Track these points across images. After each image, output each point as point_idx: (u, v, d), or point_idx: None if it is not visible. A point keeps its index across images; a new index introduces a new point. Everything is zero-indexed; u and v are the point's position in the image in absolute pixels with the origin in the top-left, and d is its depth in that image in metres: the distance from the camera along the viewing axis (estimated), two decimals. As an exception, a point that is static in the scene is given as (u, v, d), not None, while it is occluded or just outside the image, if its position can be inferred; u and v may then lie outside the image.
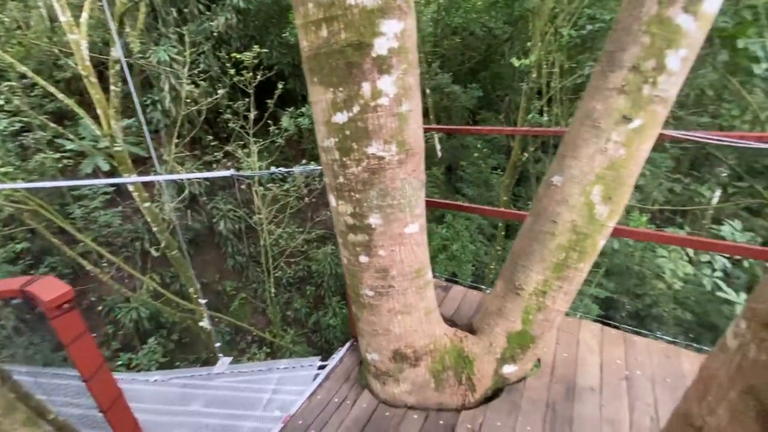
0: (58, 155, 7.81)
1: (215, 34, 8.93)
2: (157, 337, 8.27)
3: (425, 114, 10.45)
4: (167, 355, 8.26)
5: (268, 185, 7.74)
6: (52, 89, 6.55)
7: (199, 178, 8.68)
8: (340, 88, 1.63)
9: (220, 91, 7.68)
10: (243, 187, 9.16)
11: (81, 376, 1.18)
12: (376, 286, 2.00)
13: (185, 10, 8.96)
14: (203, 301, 3.68)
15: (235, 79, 7.14)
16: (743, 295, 3.97)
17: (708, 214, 7.51)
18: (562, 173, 1.92)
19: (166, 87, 8.44)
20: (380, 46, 1.57)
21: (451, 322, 2.65)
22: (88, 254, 7.97)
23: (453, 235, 8.61)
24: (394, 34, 1.58)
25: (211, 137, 8.74)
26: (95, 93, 6.19)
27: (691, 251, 5.17)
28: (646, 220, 5.54)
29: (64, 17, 5.74)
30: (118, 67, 6.51)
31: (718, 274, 4.43)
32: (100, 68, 8.29)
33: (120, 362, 7.80)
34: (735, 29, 3.89)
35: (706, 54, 4.66)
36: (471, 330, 2.38)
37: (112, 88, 6.30)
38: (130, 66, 9.15)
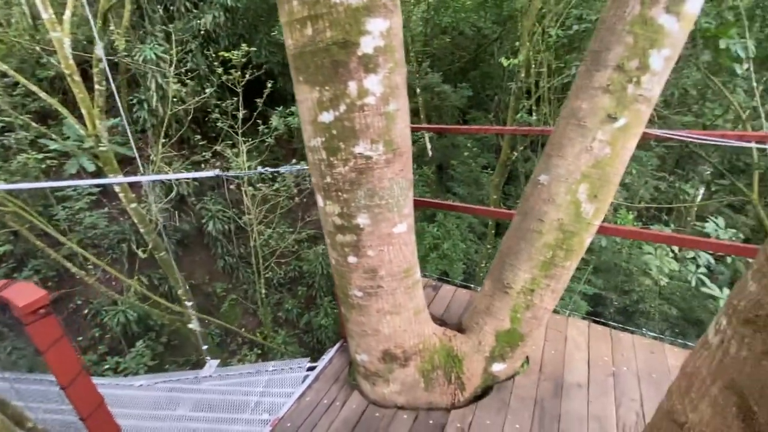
0: (41, 156, 7.64)
1: (203, 32, 8.81)
2: (146, 340, 8.14)
3: (416, 113, 10.47)
4: (156, 358, 8.13)
5: (258, 185, 7.67)
6: (34, 88, 6.39)
7: (184, 179, 8.56)
8: (326, 87, 1.62)
9: (208, 90, 7.58)
10: (232, 187, 9.06)
11: (59, 383, 1.15)
12: (364, 287, 1.99)
13: (172, 7, 8.83)
14: (189, 304, 3.62)
15: (224, 78, 7.05)
16: (726, 291, 4.05)
17: (692, 212, 7.66)
18: (548, 172, 1.93)
19: (153, 86, 8.30)
20: (366, 45, 1.56)
21: (440, 321, 2.66)
22: (74, 256, 7.81)
23: (444, 233, 8.64)
24: (380, 32, 1.56)
25: (199, 137, 8.62)
26: (79, 92, 6.05)
27: (676, 248, 5.26)
28: (633, 217, 5.62)
29: (47, 14, 5.60)
30: (102, 65, 6.38)
31: (702, 270, 4.51)
32: (85, 66, 8.12)
33: (107, 366, 7.66)
34: (717, 30, 3.96)
35: (690, 54, 4.75)
36: (460, 329, 2.38)
37: (96, 87, 6.17)
38: (115, 64, 8.99)
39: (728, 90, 4.97)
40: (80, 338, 8.15)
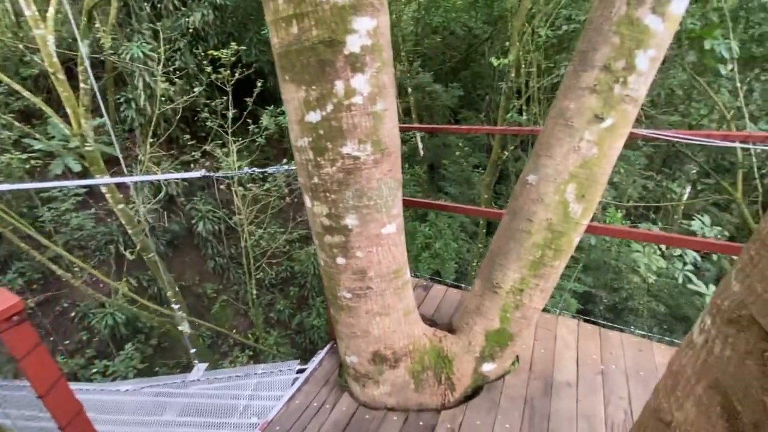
0: (25, 156, 7.47)
1: (191, 30, 8.70)
2: (135, 342, 8.02)
3: (407, 113, 10.47)
4: (145, 360, 8.01)
5: (249, 185, 7.61)
6: (17, 87, 6.26)
7: (171, 179, 8.45)
8: (313, 87, 1.60)
9: (197, 89, 7.49)
10: (222, 187, 8.97)
11: (36, 392, 1.11)
12: (353, 288, 1.97)
13: (160, 5, 8.69)
14: (177, 307, 3.56)
15: (213, 76, 6.97)
16: (712, 287, 4.12)
17: (679, 210, 7.78)
18: (537, 172, 1.94)
19: (141, 84, 8.17)
20: (353, 44, 1.54)
21: (431, 321, 2.65)
22: (60, 258, 7.66)
23: (436, 233, 8.65)
24: (367, 31, 1.55)
25: (188, 136, 8.51)
26: (63, 90, 5.94)
27: (664, 246, 5.34)
28: (622, 216, 5.69)
29: (29, 11, 5.48)
30: (87, 63, 6.26)
31: (689, 267, 4.58)
32: (70, 65, 7.97)
33: (95, 370, 7.53)
34: (702, 31, 4.02)
35: (675, 55, 4.81)
36: (451, 329, 2.38)
37: (81, 85, 6.06)
38: (101, 63, 8.84)
39: (713, 90, 5.05)
40: (67, 342, 8.00)
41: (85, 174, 7.99)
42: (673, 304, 7.64)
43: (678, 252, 4.81)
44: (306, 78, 1.59)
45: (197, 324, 8.15)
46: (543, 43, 6.33)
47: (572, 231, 1.96)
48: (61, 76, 5.89)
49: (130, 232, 6.87)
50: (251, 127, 7.54)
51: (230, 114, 7.06)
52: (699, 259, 4.87)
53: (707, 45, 3.93)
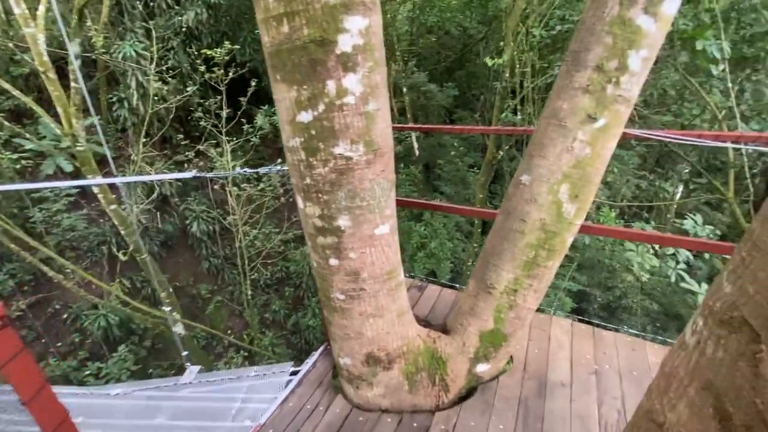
0: (15, 156, 7.37)
1: (185, 29, 8.62)
2: (128, 344, 7.94)
3: (403, 112, 10.47)
4: (139, 362, 7.94)
5: (243, 185, 7.56)
6: (7, 86, 6.17)
7: (161, 180, 8.37)
8: (304, 86, 1.58)
9: (190, 89, 7.42)
10: (216, 187, 8.91)
11: (20, 399, 1.09)
12: (346, 290, 1.96)
13: (152, 3, 8.61)
14: (168, 309, 3.53)
15: (207, 76, 6.91)
16: (705, 286, 4.15)
17: (672, 209, 7.85)
18: (530, 172, 1.93)
19: (133, 84, 8.10)
20: (344, 43, 1.52)
21: (425, 322, 2.65)
22: (52, 260, 7.57)
23: (431, 232, 8.66)
24: (359, 30, 1.53)
25: (182, 136, 8.45)
26: (54, 90, 5.87)
27: (657, 245, 5.37)
28: (615, 215, 5.72)
29: (19, 9, 5.40)
30: (78, 62, 6.19)
31: (682, 266, 4.61)
32: (61, 63, 7.87)
33: (88, 372, 7.45)
34: (694, 31, 4.05)
35: (668, 55, 4.84)
36: (445, 330, 2.37)
37: (72, 84, 5.98)
38: (94, 62, 8.74)
39: (705, 90, 5.09)
40: (59, 344, 7.92)
41: (77, 174, 7.90)
42: (666, 302, 7.70)
43: (671, 251, 4.85)
44: (297, 77, 1.57)
45: (191, 326, 8.09)
46: (537, 43, 6.35)
47: (566, 231, 1.95)
48: (52, 75, 5.81)
49: (122, 232, 6.80)
50: (245, 127, 7.50)
51: (224, 113, 7.01)
52: (691, 257, 4.91)
53: (699, 45, 3.95)
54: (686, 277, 4.39)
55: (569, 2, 6.42)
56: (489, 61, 6.35)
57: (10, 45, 7.71)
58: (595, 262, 7.58)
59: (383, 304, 2.01)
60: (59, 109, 5.96)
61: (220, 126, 7.04)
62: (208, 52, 6.87)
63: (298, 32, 1.50)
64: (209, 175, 2.25)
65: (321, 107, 1.60)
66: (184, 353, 3.12)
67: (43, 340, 7.85)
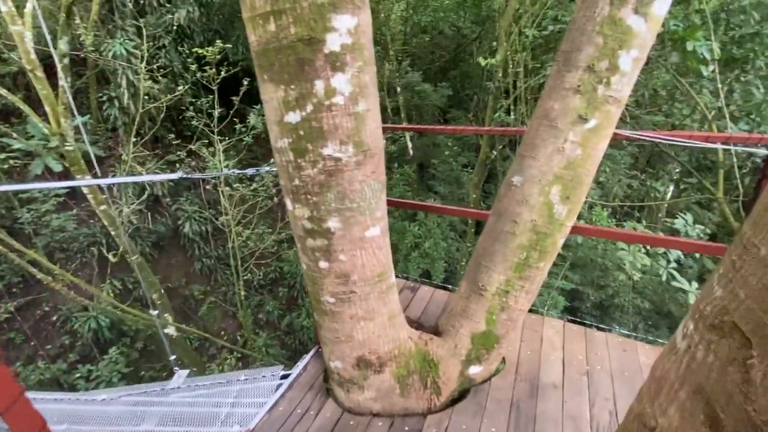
0: (3, 156, 7.25)
1: (176, 27, 8.53)
2: (120, 346, 7.85)
3: (397, 112, 10.45)
4: (131, 364, 7.85)
5: (236, 185, 7.50)
6: (-7, 85, 6.04)
7: (145, 181, 8.26)
8: (292, 86, 1.55)
9: (182, 88, 7.34)
10: (209, 187, 8.83)
11: (-7, 408, 1.05)
12: (337, 293, 1.93)
13: (143, 1, 8.51)
14: (155, 313, 3.48)
15: (198, 75, 6.84)
16: (695, 285, 4.19)
17: (663, 208, 7.92)
18: (521, 173, 1.92)
19: (124, 83, 8.00)
20: (333, 42, 1.50)
21: (417, 324, 2.63)
22: (41, 261, 7.45)
23: (425, 232, 8.65)
24: (347, 29, 1.51)
25: (173, 135, 8.35)
26: (42, 88, 5.76)
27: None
28: (607, 214, 5.75)
29: (5, 7, 5.29)
30: (66, 60, 6.08)
31: (673, 265, 4.65)
32: (50, 62, 7.74)
33: (78, 375, 7.35)
34: (685, 32, 4.07)
35: (659, 56, 4.87)
36: (437, 332, 2.35)
37: (60, 83, 5.88)
38: (83, 60, 8.61)
39: (695, 91, 5.12)
40: (49, 346, 7.81)
41: (66, 174, 7.79)
42: (658, 300, 7.77)
43: (662, 250, 4.88)
44: (285, 77, 1.54)
45: (182, 328, 8.01)
46: (530, 43, 6.35)
47: (557, 232, 1.95)
48: (40, 73, 5.71)
49: (113, 233, 6.71)
50: (238, 127, 7.43)
51: (216, 113, 6.94)
52: (682, 256, 4.95)
53: (689, 46, 3.98)
54: (677, 275, 4.42)
55: (562, 3, 6.43)
56: (482, 61, 6.35)
57: (-3, 43, 7.57)
58: (587, 261, 7.62)
59: (374, 307, 1.99)
60: (47, 108, 5.85)
61: (212, 125, 6.97)
62: (200, 51, 6.79)
63: (285, 31, 1.47)
64: (196, 176, 2.21)
65: (309, 107, 1.57)
66: (172, 357, 3.07)
67: (32, 343, 7.73)
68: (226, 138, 7.35)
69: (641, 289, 7.72)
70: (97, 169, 3.44)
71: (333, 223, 1.78)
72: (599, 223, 5.65)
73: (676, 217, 4.57)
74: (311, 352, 2.63)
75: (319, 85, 1.54)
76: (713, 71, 4.24)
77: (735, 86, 5.07)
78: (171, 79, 8.49)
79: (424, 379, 2.16)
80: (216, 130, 6.98)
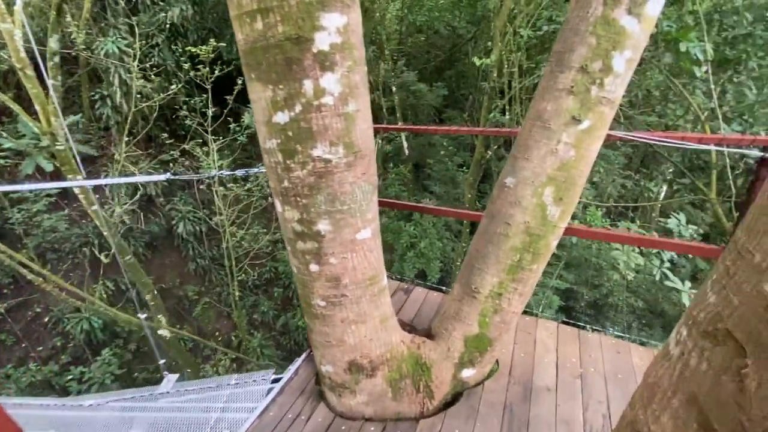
0: (-7, 155, 7.15)
1: (170, 25, 8.44)
2: (112, 347, 7.77)
3: (392, 111, 10.42)
4: (124, 366, 7.78)
5: (230, 185, 7.44)
6: (-19, 83, 5.95)
7: (133, 182, 8.15)
8: (280, 86, 1.52)
9: (174, 87, 7.26)
10: (203, 187, 8.76)
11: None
12: (328, 296, 1.90)
13: (136, -2, 8.42)
14: (142, 317, 3.43)
15: (192, 74, 6.77)
16: (688, 284, 4.20)
17: (657, 208, 7.95)
18: (514, 175, 1.90)
19: (116, 81, 7.90)
20: (321, 41, 1.47)
21: (410, 327, 2.60)
22: (33, 261, 7.35)
23: (421, 232, 8.63)
24: (336, 28, 1.48)
25: (166, 135, 8.27)
26: (32, 87, 5.67)
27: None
28: (601, 214, 5.76)
29: (-6, 4, 5.20)
30: (56, 59, 6.00)
31: (666, 264, 4.66)
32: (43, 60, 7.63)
33: (71, 377, 7.26)
34: (678, 33, 4.07)
35: (652, 56, 4.88)
36: (430, 334, 2.33)
37: (51, 82, 5.79)
38: (75, 58, 8.50)
39: (688, 92, 5.13)
40: (40, 348, 7.71)
41: (57, 174, 7.69)
42: (651, 300, 7.81)
43: (656, 250, 4.89)
44: (273, 77, 1.51)
45: (178, 327, 7.95)
46: (525, 43, 6.35)
47: (550, 234, 1.93)
48: (30, 72, 5.62)
49: (105, 234, 6.63)
50: (232, 126, 7.37)
51: (210, 112, 6.87)
52: (675, 256, 4.96)
53: (683, 47, 3.98)
54: (670, 275, 4.43)
55: (556, 3, 6.43)
56: (477, 61, 6.34)
57: (-14, 41, 7.45)
58: (582, 261, 7.64)
59: (365, 310, 1.96)
60: (38, 107, 5.77)
61: (206, 125, 6.91)
62: (194, 50, 6.72)
63: (272, 29, 1.44)
64: (184, 177, 2.17)
65: (298, 108, 1.54)
66: (161, 361, 3.02)
67: (24, 345, 7.63)
68: (221, 137, 7.29)
69: (635, 288, 7.75)
70: (82, 170, 3.38)
71: (323, 226, 1.75)
72: (593, 224, 5.66)
73: (670, 217, 4.58)
74: (303, 356, 2.60)
75: (308, 85, 1.51)
76: (706, 72, 4.25)
77: (728, 87, 5.09)
78: (164, 77, 8.40)
79: (417, 382, 2.13)
80: (210, 129, 6.92)
